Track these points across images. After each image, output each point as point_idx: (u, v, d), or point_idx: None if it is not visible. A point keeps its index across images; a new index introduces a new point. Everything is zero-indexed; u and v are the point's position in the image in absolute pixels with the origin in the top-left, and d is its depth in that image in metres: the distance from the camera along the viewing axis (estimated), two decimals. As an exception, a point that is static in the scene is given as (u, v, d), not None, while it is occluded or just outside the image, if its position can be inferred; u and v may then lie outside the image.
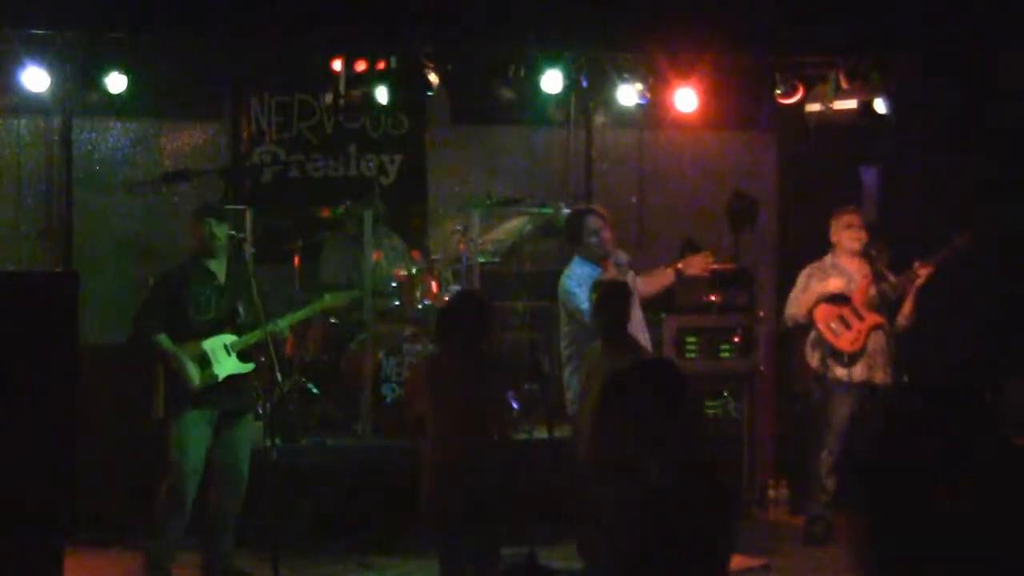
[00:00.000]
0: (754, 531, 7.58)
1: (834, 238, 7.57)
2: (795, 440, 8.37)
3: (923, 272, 7.33)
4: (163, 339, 6.41)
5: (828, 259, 7.61)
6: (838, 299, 7.47)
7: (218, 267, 6.58)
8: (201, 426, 6.44)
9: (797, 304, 7.55)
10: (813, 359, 7.51)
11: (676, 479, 3.81)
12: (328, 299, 7.14)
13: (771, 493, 8.57)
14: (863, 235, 7.50)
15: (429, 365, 5.95)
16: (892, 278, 7.47)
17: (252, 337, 6.53)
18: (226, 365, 6.47)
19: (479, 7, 8.21)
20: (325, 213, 8.56)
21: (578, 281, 6.83)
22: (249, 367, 6.54)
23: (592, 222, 6.97)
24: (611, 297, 6.27)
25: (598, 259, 6.92)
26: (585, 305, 6.65)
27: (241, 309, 6.57)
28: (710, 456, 4.05)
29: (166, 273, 6.72)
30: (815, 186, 8.93)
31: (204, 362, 6.42)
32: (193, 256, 6.66)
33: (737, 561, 4.07)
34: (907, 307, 7.40)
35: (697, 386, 4.29)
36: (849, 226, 7.52)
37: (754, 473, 8.31)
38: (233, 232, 7.45)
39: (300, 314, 6.85)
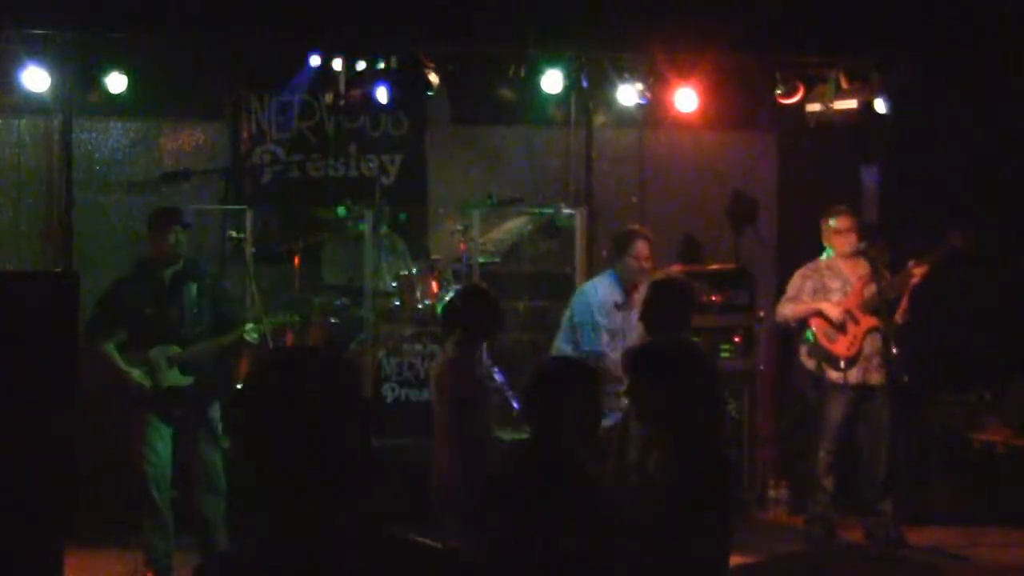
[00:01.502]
0: (754, 531, 7.58)
1: (825, 242, 7.56)
2: (795, 440, 8.36)
3: (918, 272, 7.30)
4: (110, 349, 6.38)
5: (823, 260, 7.58)
6: (832, 303, 7.45)
7: (168, 275, 6.51)
8: (160, 429, 6.42)
9: (791, 308, 7.53)
10: (809, 362, 7.50)
11: (677, 473, 3.76)
12: (251, 327, 6.64)
13: (771, 493, 8.56)
14: (853, 238, 7.47)
15: (439, 363, 5.94)
16: (889, 277, 7.45)
17: (196, 349, 6.47)
18: (168, 376, 6.43)
19: (479, 7, 8.21)
20: (325, 213, 8.57)
21: (587, 304, 6.98)
22: (188, 380, 6.46)
23: (643, 248, 7.13)
24: (663, 297, 6.00)
25: (631, 283, 7.04)
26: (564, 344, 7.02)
27: (190, 318, 6.51)
28: (716, 451, 3.97)
29: (117, 281, 6.65)
30: (815, 186, 8.92)
31: (150, 370, 6.40)
32: (146, 262, 6.61)
33: (736, 561, 4.05)
34: (902, 306, 7.38)
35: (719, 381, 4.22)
36: (838, 232, 7.49)
37: (754, 473, 8.31)
38: (233, 232, 7.46)
39: (226, 339, 6.57)
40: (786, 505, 8.45)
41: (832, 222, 7.51)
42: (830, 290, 7.48)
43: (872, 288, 7.32)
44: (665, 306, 5.90)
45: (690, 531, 3.71)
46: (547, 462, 3.75)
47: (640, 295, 7.09)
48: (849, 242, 7.46)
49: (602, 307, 7.22)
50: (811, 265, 7.60)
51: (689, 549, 3.70)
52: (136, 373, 6.35)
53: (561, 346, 7.26)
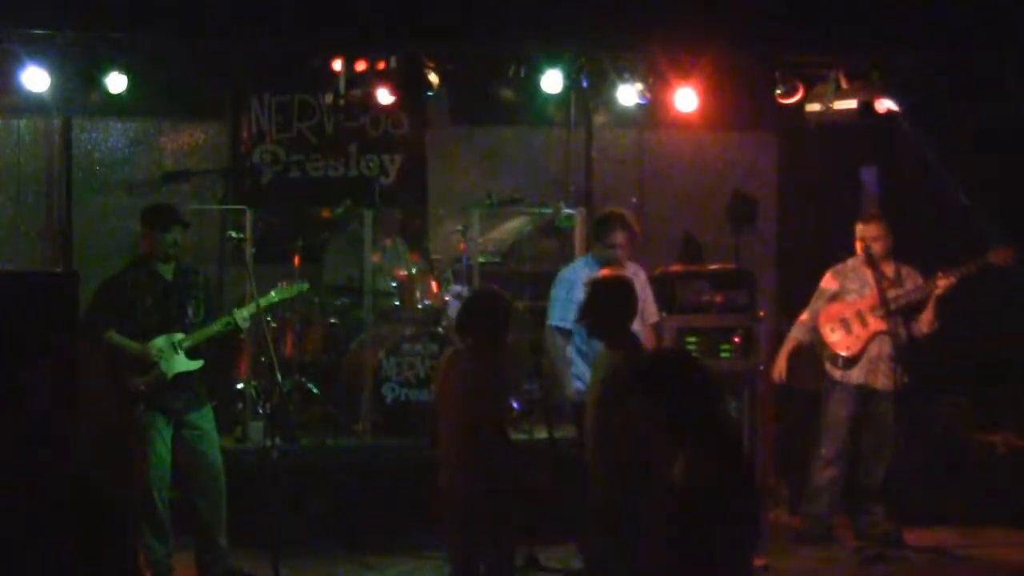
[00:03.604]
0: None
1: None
2: (795, 440, 8.36)
3: (943, 283, 7.34)
4: (113, 335, 6.38)
5: (851, 262, 7.63)
6: (847, 302, 7.49)
7: (166, 269, 6.54)
8: (160, 429, 6.42)
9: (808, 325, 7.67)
10: (825, 362, 7.57)
11: (707, 476, 3.77)
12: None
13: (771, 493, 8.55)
14: (874, 247, 7.47)
15: (444, 362, 5.92)
16: (910, 284, 7.45)
17: (201, 334, 6.51)
18: (175, 363, 6.44)
19: (479, 7, 8.20)
20: (325, 213, 8.57)
21: (567, 285, 6.88)
22: (198, 364, 6.51)
23: (619, 237, 6.97)
24: (606, 294, 5.84)
25: (608, 264, 6.96)
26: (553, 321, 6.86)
27: (191, 309, 6.55)
28: (738, 448, 4.06)
29: (111, 277, 6.61)
30: (815, 186, 8.94)
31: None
32: (141, 259, 6.60)
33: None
34: (927, 315, 7.40)
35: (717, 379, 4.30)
36: (860, 238, 7.54)
37: (754, 473, 8.29)
38: (233, 232, 7.46)
39: (246, 311, 6.65)
40: (786, 505, 8.45)
41: (858, 228, 7.55)
42: (848, 291, 7.54)
43: (892, 293, 7.35)
44: (601, 305, 5.73)
45: (716, 532, 3.74)
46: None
47: (626, 272, 7.07)
48: (863, 250, 7.49)
49: (575, 283, 7.02)
50: (839, 265, 7.66)
51: (715, 548, 3.73)
52: (155, 348, 6.35)
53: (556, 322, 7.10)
